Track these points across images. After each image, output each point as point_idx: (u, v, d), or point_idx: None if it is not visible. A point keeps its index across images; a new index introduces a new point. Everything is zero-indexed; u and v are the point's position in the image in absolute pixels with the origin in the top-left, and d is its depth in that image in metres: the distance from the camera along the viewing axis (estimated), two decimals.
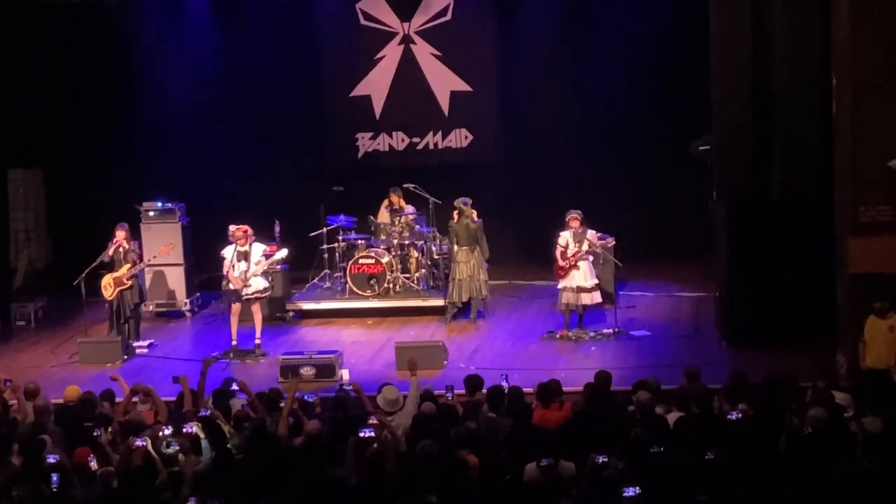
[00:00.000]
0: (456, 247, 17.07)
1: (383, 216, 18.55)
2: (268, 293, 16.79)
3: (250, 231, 16.39)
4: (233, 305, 16.42)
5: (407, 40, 20.14)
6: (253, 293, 16.37)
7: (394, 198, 18.38)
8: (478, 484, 9.39)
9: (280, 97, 20.40)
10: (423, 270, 18.34)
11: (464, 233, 17.04)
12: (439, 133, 20.44)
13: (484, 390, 12.02)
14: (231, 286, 16.35)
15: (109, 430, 11.04)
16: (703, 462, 9.32)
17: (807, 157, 14.93)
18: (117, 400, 12.40)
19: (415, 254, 18.30)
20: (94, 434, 10.67)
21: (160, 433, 10.45)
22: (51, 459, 9.98)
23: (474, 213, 17.13)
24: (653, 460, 9.39)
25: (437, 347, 15.49)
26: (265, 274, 16.58)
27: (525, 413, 11.08)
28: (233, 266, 16.27)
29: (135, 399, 12.39)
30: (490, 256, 17.74)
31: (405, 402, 11.67)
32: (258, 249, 16.37)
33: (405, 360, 15.02)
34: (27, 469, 10.10)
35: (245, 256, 16.26)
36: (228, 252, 16.36)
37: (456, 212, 17.10)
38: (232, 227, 16.44)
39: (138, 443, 10.22)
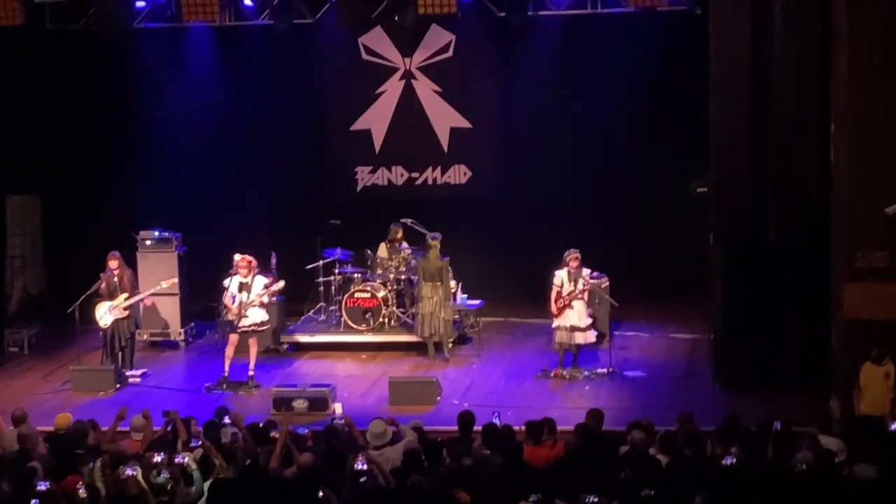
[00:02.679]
0: (422, 282, 17.08)
1: (383, 250, 18.50)
2: (266, 327, 16.74)
3: (254, 262, 16.38)
4: (230, 336, 16.39)
5: (408, 76, 20.19)
6: (250, 325, 16.33)
7: (399, 232, 18.32)
8: None
9: (280, 129, 20.44)
10: None
11: (429, 268, 17.05)
12: (438, 168, 20.46)
13: (478, 427, 11.99)
14: (228, 316, 16.35)
15: (99, 459, 10.98)
16: None
17: (804, 201, 14.95)
18: (103, 429, 12.35)
19: (411, 289, 18.28)
20: (89, 465, 10.61)
21: (152, 461, 10.42)
22: (41, 487, 9.95)
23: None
24: (642, 502, 9.36)
25: (431, 383, 15.46)
26: (265, 307, 16.55)
27: (515, 451, 11.04)
28: (233, 297, 16.26)
29: (124, 427, 12.36)
30: (486, 293, 17.75)
31: (395, 438, 11.63)
32: (260, 282, 16.34)
33: (399, 394, 15.10)
34: (17, 496, 10.06)
35: (246, 288, 16.24)
36: (230, 282, 16.35)
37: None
38: (237, 257, 16.42)
39: (128, 472, 10.17)
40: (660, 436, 11.27)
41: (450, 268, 17.24)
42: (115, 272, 16.70)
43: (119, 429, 12.32)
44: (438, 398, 15.32)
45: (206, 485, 10.36)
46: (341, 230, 18.74)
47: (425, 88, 20.19)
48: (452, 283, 17.98)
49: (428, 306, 17.07)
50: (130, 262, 17.56)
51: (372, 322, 17.91)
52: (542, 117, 20.02)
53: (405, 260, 18.21)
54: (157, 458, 10.41)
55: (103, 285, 16.67)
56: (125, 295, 16.65)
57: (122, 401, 15.34)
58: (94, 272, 16.99)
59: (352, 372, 17.09)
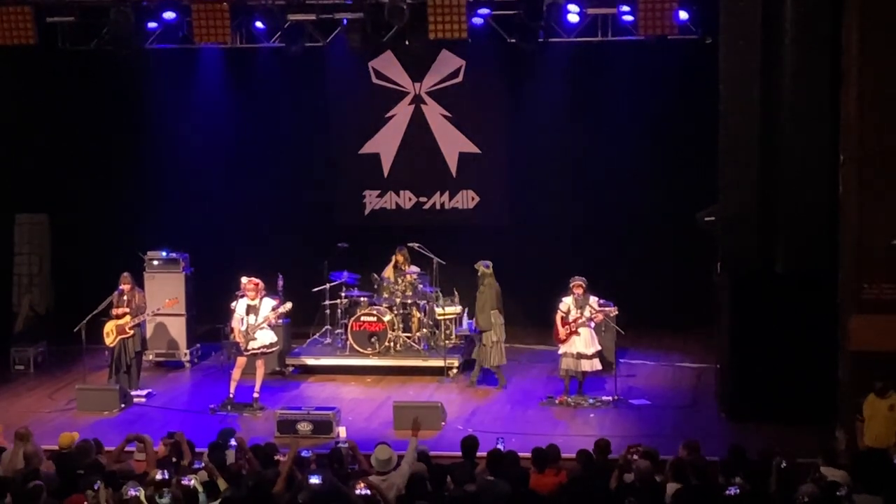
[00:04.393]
0: (491, 310, 16.92)
1: (390, 273, 18.51)
2: (274, 349, 16.75)
3: (261, 285, 16.40)
4: (238, 359, 16.39)
5: (418, 100, 20.24)
6: (259, 348, 16.33)
7: (399, 257, 18.39)
8: None
9: (289, 152, 20.48)
10: (425, 330, 18.33)
11: (493, 295, 16.96)
12: (446, 193, 20.48)
13: (481, 453, 11.95)
14: (235, 338, 16.36)
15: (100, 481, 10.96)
16: None
17: (812, 231, 14.92)
18: (107, 449, 12.33)
19: (417, 313, 18.29)
20: (94, 486, 10.59)
21: (156, 478, 10.40)
22: None
23: None
24: None
25: (436, 408, 15.45)
26: (274, 328, 16.54)
27: (521, 478, 11.01)
28: (241, 319, 16.27)
29: (129, 448, 12.35)
30: None
31: (400, 462, 11.60)
32: (268, 304, 16.34)
33: (403, 419, 15.06)
34: None
35: (254, 310, 16.24)
36: (238, 305, 16.36)
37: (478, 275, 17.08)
38: (244, 280, 16.44)
39: (132, 492, 10.16)
40: (669, 463, 11.23)
41: None
42: (126, 294, 16.75)
43: (126, 449, 12.32)
44: (443, 423, 15.31)
45: None
46: (348, 253, 18.77)
47: (435, 113, 20.23)
48: (458, 308, 18.03)
49: (498, 334, 16.97)
50: (138, 281, 17.56)
51: (377, 346, 17.92)
52: (550, 144, 20.05)
53: (411, 284, 18.23)
54: (162, 478, 10.39)
55: (113, 305, 16.69)
56: (131, 314, 16.71)
57: (126, 421, 15.38)
58: (101, 291, 17.03)
59: (357, 395, 17.09)
